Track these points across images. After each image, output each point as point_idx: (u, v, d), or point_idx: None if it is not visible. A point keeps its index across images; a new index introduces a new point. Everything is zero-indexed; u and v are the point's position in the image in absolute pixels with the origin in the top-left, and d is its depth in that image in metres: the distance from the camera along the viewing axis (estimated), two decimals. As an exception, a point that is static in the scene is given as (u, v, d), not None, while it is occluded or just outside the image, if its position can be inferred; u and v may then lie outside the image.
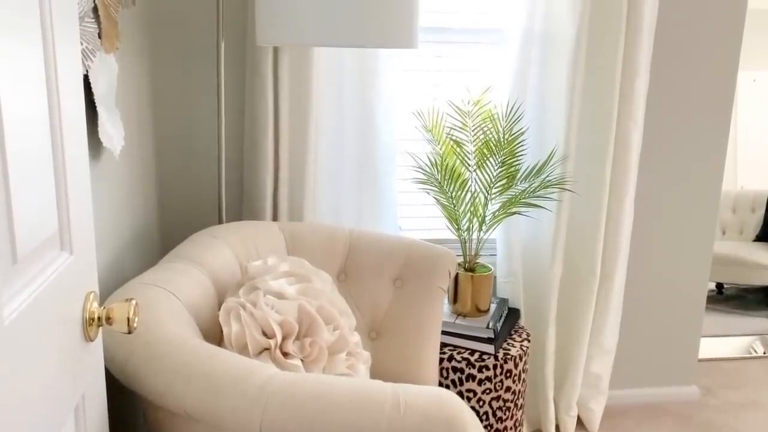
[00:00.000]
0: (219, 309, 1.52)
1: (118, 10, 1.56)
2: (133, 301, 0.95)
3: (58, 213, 0.84)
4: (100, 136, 1.41)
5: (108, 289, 1.57)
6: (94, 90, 1.38)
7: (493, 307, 2.18)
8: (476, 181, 2.08)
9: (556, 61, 2.16)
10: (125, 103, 1.74)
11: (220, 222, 2.01)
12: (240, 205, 2.20)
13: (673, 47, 2.33)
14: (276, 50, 1.98)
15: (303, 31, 1.61)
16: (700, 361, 3.05)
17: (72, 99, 0.89)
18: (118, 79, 1.65)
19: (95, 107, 1.40)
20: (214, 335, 1.45)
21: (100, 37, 1.41)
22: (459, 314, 2.12)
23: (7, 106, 0.68)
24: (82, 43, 1.30)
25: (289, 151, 2.07)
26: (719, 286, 4.20)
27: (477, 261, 2.16)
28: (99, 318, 0.95)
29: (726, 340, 3.35)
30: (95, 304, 0.95)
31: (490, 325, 2.03)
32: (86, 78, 1.35)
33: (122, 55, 1.71)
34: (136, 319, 0.96)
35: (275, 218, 2.11)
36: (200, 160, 2.18)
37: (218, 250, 1.67)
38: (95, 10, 1.39)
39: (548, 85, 2.19)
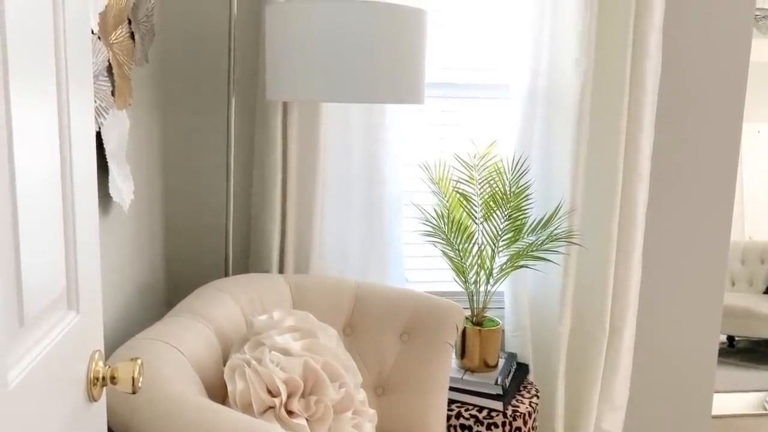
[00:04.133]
0: (224, 364, 1.50)
1: (131, 68, 1.59)
2: (138, 361, 0.95)
3: (66, 272, 0.84)
4: (110, 190, 1.43)
5: (113, 342, 1.56)
6: (105, 146, 1.40)
7: (501, 362, 2.15)
8: (483, 234, 2.08)
9: (560, 116, 2.18)
10: (135, 157, 1.77)
11: (226, 274, 2.01)
12: (247, 257, 2.20)
13: (677, 100, 2.36)
14: (285, 105, 2.02)
15: (312, 87, 1.64)
16: (714, 417, 2.98)
17: (84, 159, 0.90)
18: (129, 134, 1.67)
19: (106, 162, 1.42)
20: (219, 391, 1.43)
21: (113, 94, 1.44)
22: (467, 369, 2.09)
23: (20, 167, 0.69)
24: (95, 101, 1.32)
25: (296, 203, 2.08)
26: (730, 339, 4.14)
27: (485, 314, 2.14)
28: (103, 378, 0.94)
29: (738, 396, 3.28)
30: (100, 364, 0.94)
31: (499, 381, 2.00)
32: (98, 134, 1.37)
33: (134, 110, 1.74)
34: (141, 379, 0.95)
35: (282, 269, 2.11)
36: (208, 213, 2.19)
37: (224, 303, 1.67)
38: (109, 68, 1.43)
39: (553, 140, 2.21)
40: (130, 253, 1.74)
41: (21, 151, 0.69)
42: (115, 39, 1.46)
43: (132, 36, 1.60)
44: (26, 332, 0.71)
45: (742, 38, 2.36)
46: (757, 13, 4.49)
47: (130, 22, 1.59)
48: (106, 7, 1.38)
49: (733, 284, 4.28)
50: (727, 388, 3.36)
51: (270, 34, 1.70)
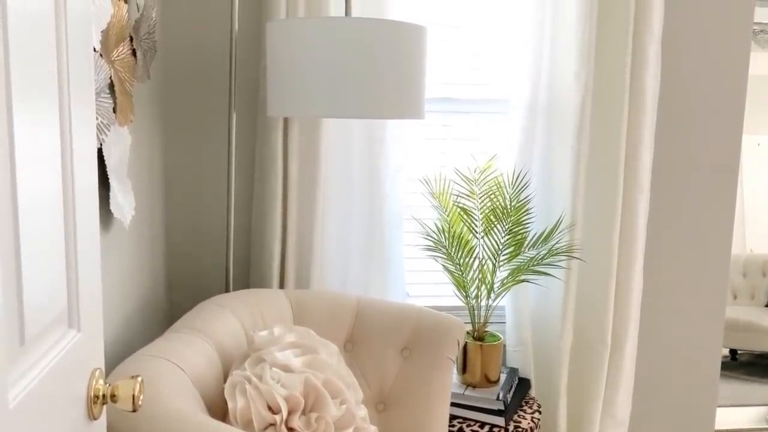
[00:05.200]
0: (224, 380, 1.50)
1: (133, 85, 1.60)
2: (139, 378, 0.94)
3: (67, 290, 0.84)
4: (111, 207, 1.43)
5: (114, 357, 1.56)
6: (107, 162, 1.40)
7: (503, 377, 2.14)
8: (484, 248, 2.08)
9: (561, 129, 2.19)
10: (137, 173, 1.77)
11: (227, 290, 2.01)
12: (247, 272, 2.20)
13: (677, 113, 2.36)
14: (286, 121, 2.02)
15: (312, 103, 1.64)
16: None
17: (86, 176, 0.90)
18: (130, 150, 1.68)
19: (107, 178, 1.42)
20: (219, 408, 1.42)
21: (114, 111, 1.45)
22: (468, 385, 2.08)
23: (23, 186, 0.69)
24: (97, 118, 1.33)
25: (297, 219, 2.08)
26: (733, 352, 4.12)
27: (486, 329, 2.13)
28: (104, 396, 0.93)
29: (742, 410, 3.26)
30: (101, 382, 0.94)
31: (500, 397, 1.99)
32: (100, 150, 1.37)
33: (135, 126, 1.74)
34: (141, 397, 0.94)
35: (282, 285, 2.10)
36: (209, 228, 2.19)
37: (224, 319, 1.66)
38: (111, 85, 1.43)
39: (554, 154, 2.21)
40: (131, 268, 1.74)
41: (23, 169, 0.69)
42: (117, 56, 1.47)
43: (134, 53, 1.61)
44: (27, 351, 0.71)
45: (741, 51, 2.37)
46: (755, 27, 4.52)
47: (131, 39, 1.60)
48: (108, 24, 1.39)
49: (735, 297, 4.27)
50: (730, 402, 3.35)
51: (271, 50, 1.71)
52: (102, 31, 1.36)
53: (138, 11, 1.65)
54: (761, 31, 4.50)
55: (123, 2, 1.51)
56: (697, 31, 2.33)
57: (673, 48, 2.32)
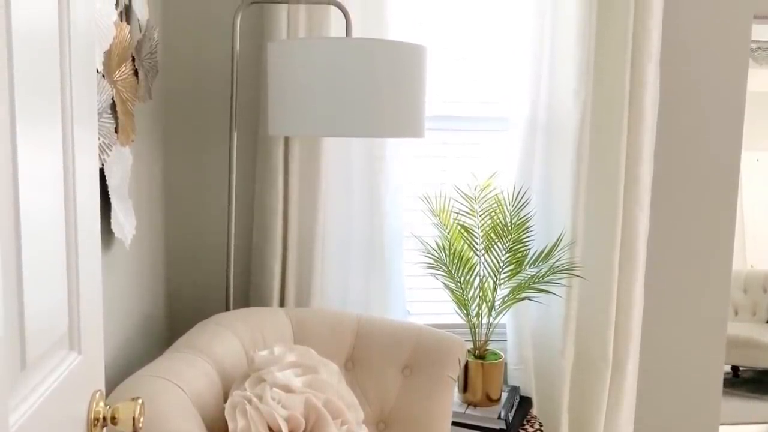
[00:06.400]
0: (225, 400, 1.49)
1: (134, 104, 1.61)
2: (139, 400, 0.94)
3: (68, 312, 0.84)
4: (112, 226, 1.43)
5: (114, 376, 1.55)
6: (108, 182, 1.41)
7: (504, 395, 2.13)
8: (484, 266, 2.08)
9: (560, 147, 2.19)
10: (137, 193, 1.77)
11: (227, 309, 2.00)
12: (248, 291, 2.19)
13: (676, 130, 2.37)
14: (286, 140, 2.03)
15: (313, 123, 1.65)
16: (720, 450, 2.94)
17: (87, 198, 0.91)
18: (131, 169, 1.68)
19: (108, 197, 1.42)
20: (220, 429, 1.41)
21: (116, 131, 1.46)
22: (469, 403, 2.07)
23: (25, 209, 0.69)
24: (99, 138, 1.33)
25: (297, 237, 2.08)
26: (735, 369, 4.10)
27: (487, 347, 2.12)
28: (104, 418, 0.93)
29: (745, 428, 3.24)
30: (101, 404, 0.93)
31: (502, 415, 1.98)
32: (101, 170, 1.38)
33: (136, 146, 1.75)
34: (142, 419, 0.94)
35: (282, 303, 2.10)
36: (209, 247, 2.19)
37: (224, 338, 1.66)
38: (113, 106, 1.44)
39: (554, 171, 2.22)
40: (131, 288, 1.74)
41: (26, 191, 0.69)
42: (119, 76, 1.48)
43: (136, 73, 1.62)
44: (28, 375, 0.71)
45: (739, 68, 2.39)
46: (753, 44, 4.55)
47: (133, 59, 1.61)
48: (110, 45, 1.40)
49: (736, 314, 4.26)
50: (732, 420, 3.33)
51: (272, 70, 1.73)
52: (105, 52, 1.37)
53: (140, 32, 1.67)
54: (758, 48, 4.53)
55: (125, 23, 1.53)
56: (696, 49, 2.35)
57: (672, 66, 2.33)
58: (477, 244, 2.08)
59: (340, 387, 1.50)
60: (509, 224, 2.04)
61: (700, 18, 2.34)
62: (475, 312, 2.09)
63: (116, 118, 1.46)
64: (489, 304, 2.07)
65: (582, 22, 2.09)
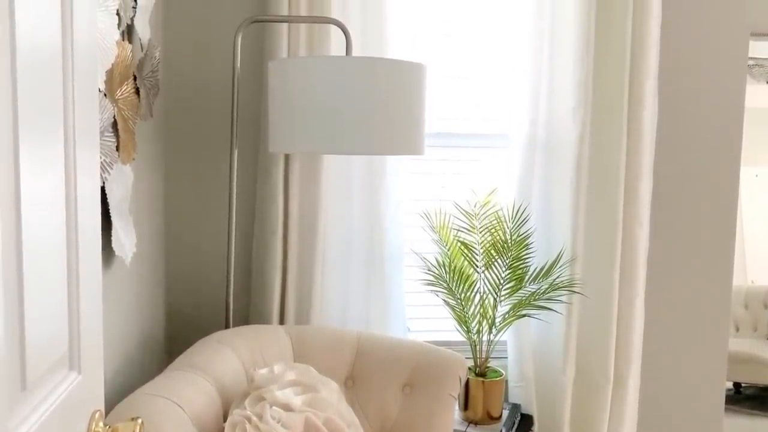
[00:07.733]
0: (224, 419, 1.48)
1: (136, 123, 1.62)
2: (139, 420, 0.93)
3: (69, 332, 0.84)
4: (113, 244, 1.43)
5: (114, 394, 1.55)
6: (109, 200, 1.41)
7: (505, 413, 2.12)
8: (485, 283, 2.07)
9: (559, 164, 2.20)
10: (138, 210, 1.78)
11: (227, 326, 2.00)
12: (247, 308, 2.19)
13: (675, 147, 2.38)
14: (287, 157, 2.04)
15: (313, 140, 1.66)
16: (723, 468, 2.91)
17: (89, 217, 0.91)
18: (132, 187, 1.68)
19: (109, 215, 1.42)
20: (219, 448, 1.40)
21: (117, 149, 1.46)
22: (470, 422, 2.06)
23: (27, 229, 0.69)
24: (100, 157, 1.34)
25: (297, 254, 2.08)
26: (737, 385, 4.08)
27: (488, 365, 2.12)
28: (103, 438, 0.92)
29: (748, 445, 3.21)
30: (101, 424, 0.93)
31: (503, 433, 1.97)
32: (102, 189, 1.38)
33: (137, 163, 1.75)
34: (141, 439, 0.93)
35: (282, 321, 2.09)
36: (209, 265, 2.19)
37: (224, 356, 1.65)
38: (114, 124, 1.45)
39: (553, 188, 2.22)
40: (131, 306, 1.73)
41: (28, 211, 0.69)
42: (121, 95, 1.49)
43: (137, 91, 1.63)
44: (28, 396, 0.70)
45: (737, 84, 2.41)
46: (750, 61, 4.58)
47: (135, 78, 1.62)
48: (112, 64, 1.40)
49: (737, 329, 4.25)
50: (735, 437, 3.30)
51: (272, 88, 1.74)
52: (107, 71, 1.38)
53: (142, 51, 1.68)
54: (756, 64, 4.56)
55: (128, 42, 1.54)
56: (694, 65, 2.36)
57: (670, 83, 2.35)
58: (477, 260, 2.08)
59: (340, 405, 1.49)
60: (509, 241, 2.04)
61: (698, 35, 2.35)
62: (475, 329, 2.08)
63: (117, 137, 1.47)
64: (489, 321, 2.07)
65: (580, 39, 2.11)
